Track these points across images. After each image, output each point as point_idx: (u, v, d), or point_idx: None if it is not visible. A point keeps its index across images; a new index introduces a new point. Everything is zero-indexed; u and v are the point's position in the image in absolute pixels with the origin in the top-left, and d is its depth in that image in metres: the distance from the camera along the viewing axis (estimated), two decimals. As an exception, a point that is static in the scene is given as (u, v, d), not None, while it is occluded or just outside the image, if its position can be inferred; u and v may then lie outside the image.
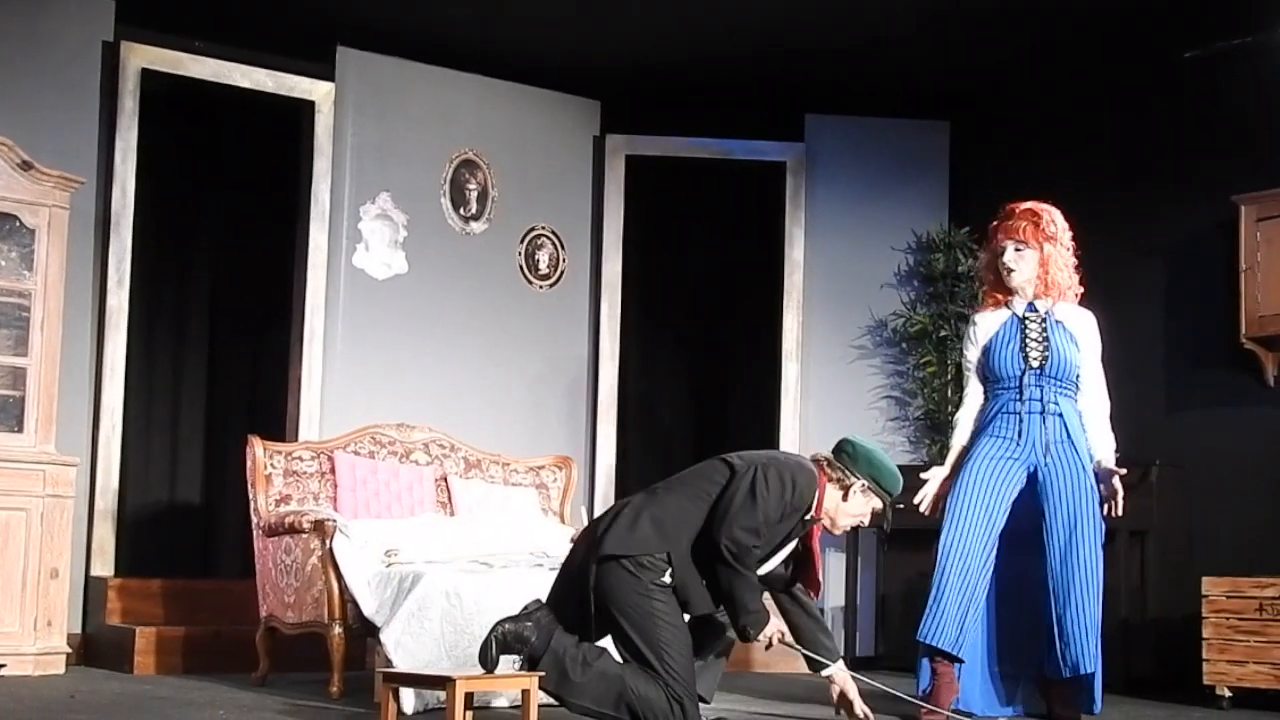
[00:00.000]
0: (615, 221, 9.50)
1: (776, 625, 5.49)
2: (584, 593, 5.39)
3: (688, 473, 5.64)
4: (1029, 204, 6.42)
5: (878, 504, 5.65)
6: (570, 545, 5.59)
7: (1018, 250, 6.33)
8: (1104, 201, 8.25)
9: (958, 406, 8.83)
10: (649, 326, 9.80)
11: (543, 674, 5.28)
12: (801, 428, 9.30)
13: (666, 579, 5.35)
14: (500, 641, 5.31)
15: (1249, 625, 6.81)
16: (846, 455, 5.65)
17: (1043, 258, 6.32)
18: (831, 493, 5.58)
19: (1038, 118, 9.10)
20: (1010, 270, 6.32)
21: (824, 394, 9.32)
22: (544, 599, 5.50)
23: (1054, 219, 6.38)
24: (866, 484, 5.59)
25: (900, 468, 8.78)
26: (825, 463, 5.64)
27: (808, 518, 5.52)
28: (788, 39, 8.61)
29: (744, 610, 5.32)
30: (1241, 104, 8.02)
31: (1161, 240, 8.19)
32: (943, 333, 9.04)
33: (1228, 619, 6.87)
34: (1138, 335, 8.09)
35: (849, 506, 5.60)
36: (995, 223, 6.46)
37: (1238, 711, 6.75)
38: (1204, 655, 6.92)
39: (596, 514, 9.04)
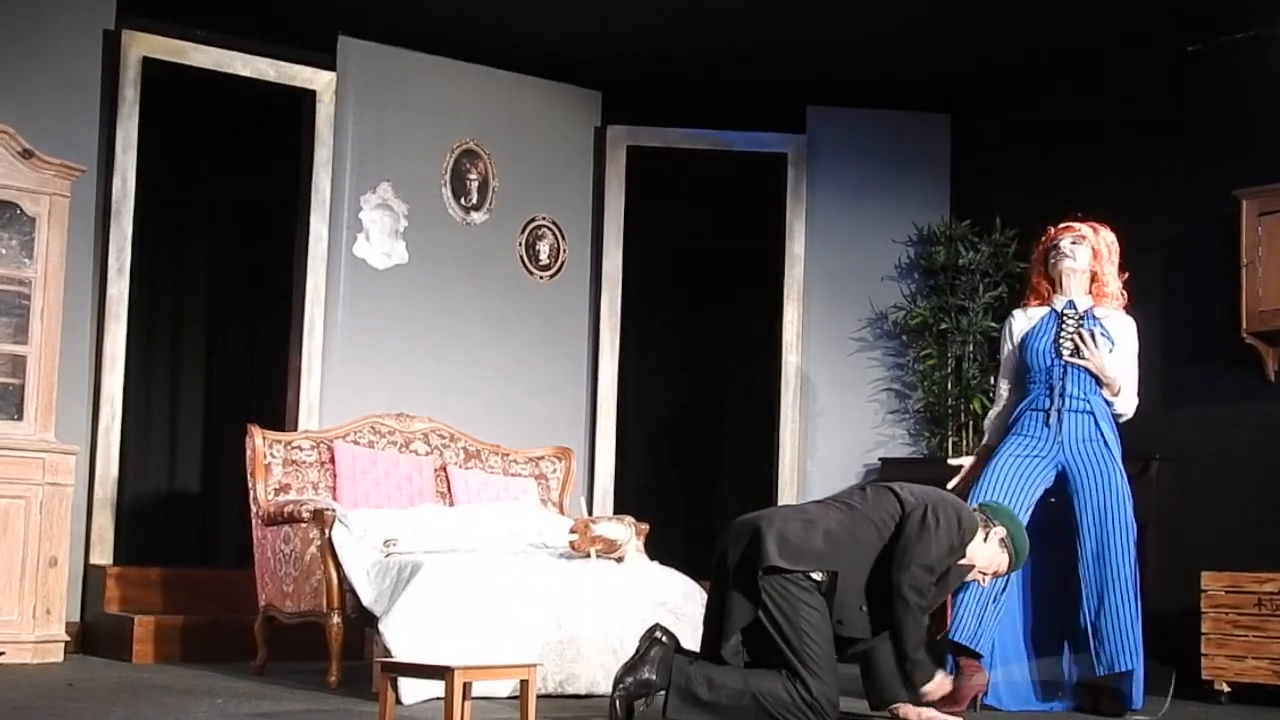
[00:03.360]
0: (616, 213, 9.49)
1: (940, 681, 5.59)
2: (742, 596, 5.45)
3: (854, 494, 5.72)
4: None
5: (1004, 561, 5.74)
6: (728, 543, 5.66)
7: (1074, 243, 6.48)
8: (1105, 195, 8.23)
9: (958, 400, 8.94)
10: (649, 318, 9.79)
11: (673, 703, 5.35)
12: (801, 420, 9.30)
13: (817, 576, 5.42)
14: (627, 695, 5.37)
15: (1248, 620, 6.82)
16: (992, 511, 5.78)
17: (1097, 255, 6.49)
18: (978, 538, 5.70)
19: (1039, 111, 9.09)
20: (1065, 256, 6.45)
21: (824, 386, 9.32)
22: (654, 633, 5.51)
23: (1110, 233, 6.57)
24: (1005, 536, 5.71)
25: (901, 460, 8.95)
26: (982, 514, 5.77)
27: (961, 561, 5.63)
28: (789, 30, 8.60)
29: (908, 655, 5.46)
30: (1243, 98, 8.01)
31: (1162, 234, 8.18)
32: (943, 325, 9.04)
33: (1226, 614, 6.88)
34: (1138, 329, 8.08)
35: (985, 550, 5.69)
36: (1052, 229, 6.61)
37: (1236, 706, 6.76)
38: (1202, 650, 6.93)
39: (596, 504, 9.08)
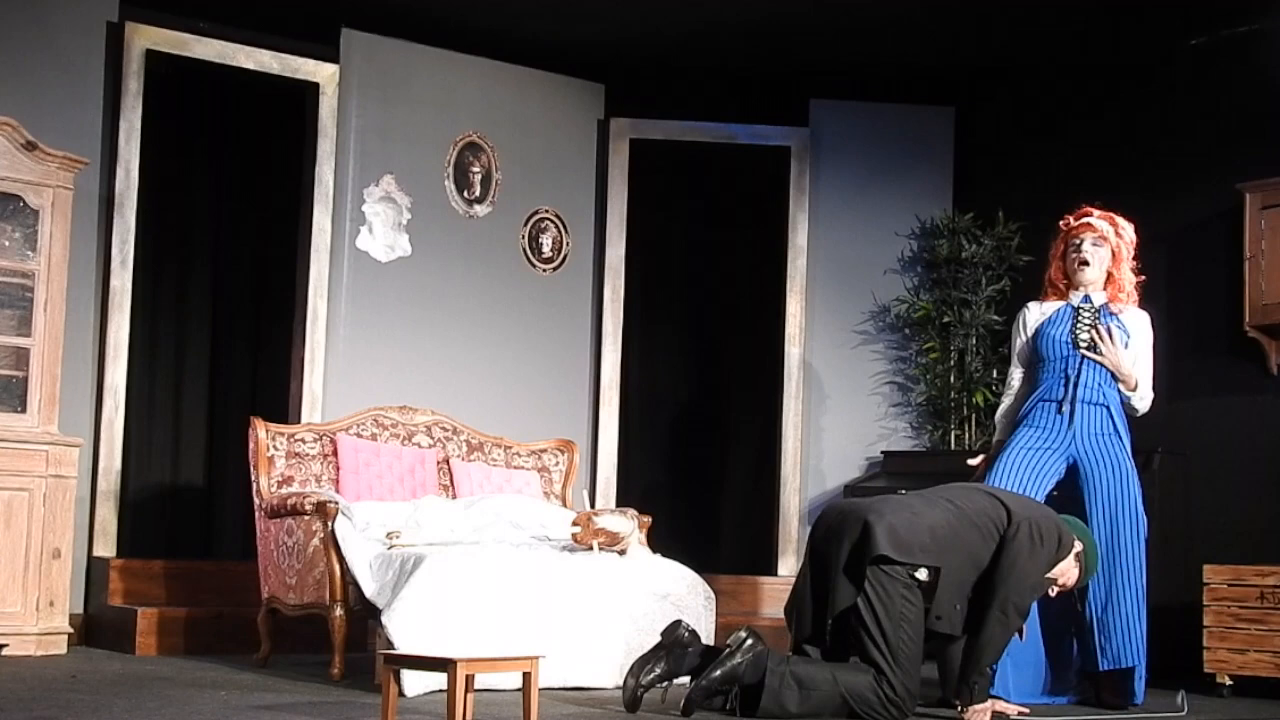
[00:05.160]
0: (619, 205, 9.48)
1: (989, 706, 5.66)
2: (847, 581, 5.56)
3: (957, 493, 5.81)
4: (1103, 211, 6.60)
5: (1075, 575, 5.86)
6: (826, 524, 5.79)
7: (1095, 245, 6.48)
8: (1108, 189, 8.22)
9: (960, 393, 8.94)
10: (652, 310, 9.79)
11: (766, 703, 5.45)
12: (804, 413, 9.30)
13: (922, 574, 5.52)
14: (708, 689, 5.46)
15: (1250, 613, 6.82)
16: (1066, 522, 5.88)
17: (1116, 256, 6.51)
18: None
19: (1042, 104, 9.09)
20: (1086, 262, 6.46)
21: (826, 379, 9.32)
22: (744, 633, 5.60)
23: (1128, 227, 6.58)
24: (1080, 551, 5.82)
25: (903, 454, 8.95)
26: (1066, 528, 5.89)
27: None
28: (793, 23, 8.60)
29: (979, 670, 5.55)
30: (1247, 91, 8.01)
31: (1165, 228, 8.17)
32: (946, 319, 9.04)
33: (1229, 607, 6.89)
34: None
35: (1064, 564, 5.80)
36: (1069, 219, 6.61)
37: (1238, 699, 6.76)
38: (1205, 643, 6.94)
39: (599, 497, 9.09)
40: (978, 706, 5.54)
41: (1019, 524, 5.61)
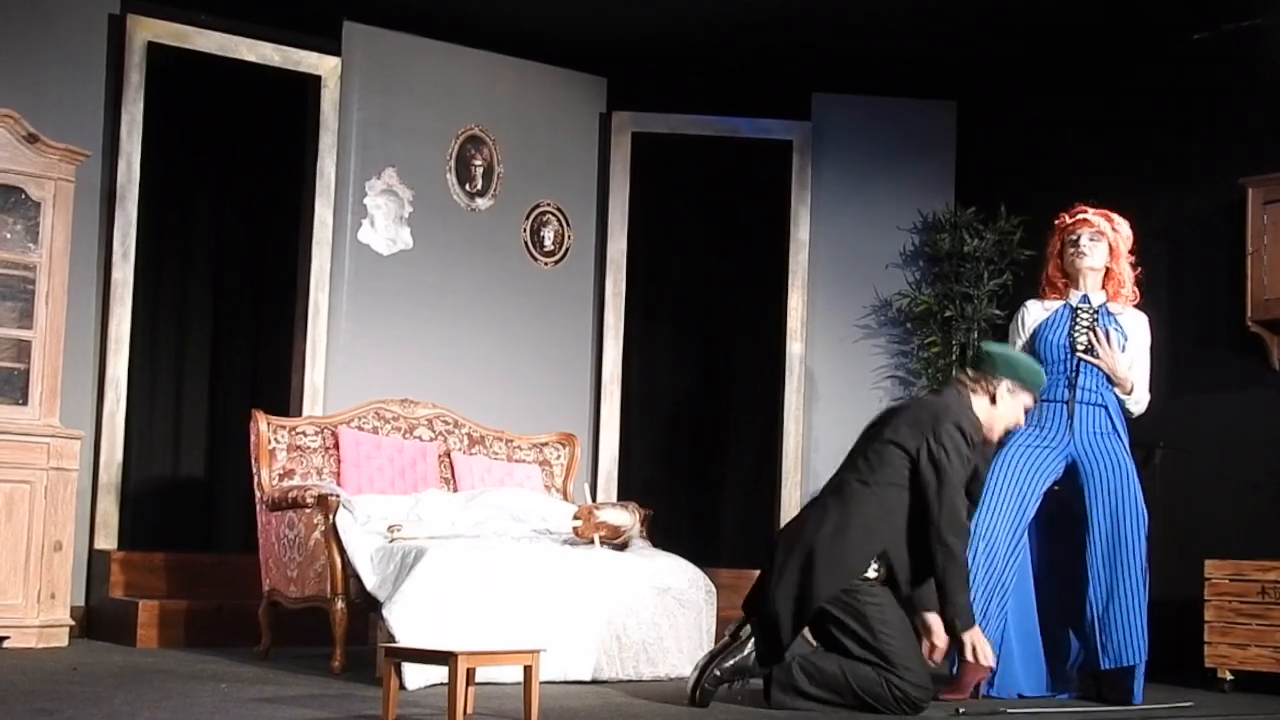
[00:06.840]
0: (621, 199, 9.48)
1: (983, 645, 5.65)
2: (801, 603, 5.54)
3: (860, 464, 5.72)
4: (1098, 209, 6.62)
5: (1028, 400, 5.83)
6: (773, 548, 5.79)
7: (1093, 240, 6.50)
8: (1110, 183, 8.23)
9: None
10: (653, 304, 9.78)
11: (776, 695, 5.50)
12: (805, 407, 9.30)
13: (872, 573, 5.53)
14: (719, 680, 5.49)
15: (1251, 608, 6.83)
16: (985, 363, 5.83)
17: (1113, 252, 6.52)
18: (982, 404, 5.76)
19: (1044, 98, 9.08)
20: (1083, 254, 6.47)
21: (828, 373, 9.32)
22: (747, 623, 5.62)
23: (1124, 223, 6.59)
24: (1010, 384, 5.77)
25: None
26: (967, 378, 5.82)
27: (995, 431, 5.77)
28: (795, 17, 8.59)
29: (952, 604, 5.54)
30: (1249, 86, 8.00)
31: (1168, 222, 8.17)
32: (947, 313, 9.03)
33: (1230, 602, 6.89)
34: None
35: (1000, 411, 5.78)
36: (1066, 216, 6.62)
37: (1239, 694, 6.77)
38: (1205, 638, 6.95)
39: (600, 491, 9.09)
40: (969, 633, 5.56)
41: (917, 453, 5.56)
